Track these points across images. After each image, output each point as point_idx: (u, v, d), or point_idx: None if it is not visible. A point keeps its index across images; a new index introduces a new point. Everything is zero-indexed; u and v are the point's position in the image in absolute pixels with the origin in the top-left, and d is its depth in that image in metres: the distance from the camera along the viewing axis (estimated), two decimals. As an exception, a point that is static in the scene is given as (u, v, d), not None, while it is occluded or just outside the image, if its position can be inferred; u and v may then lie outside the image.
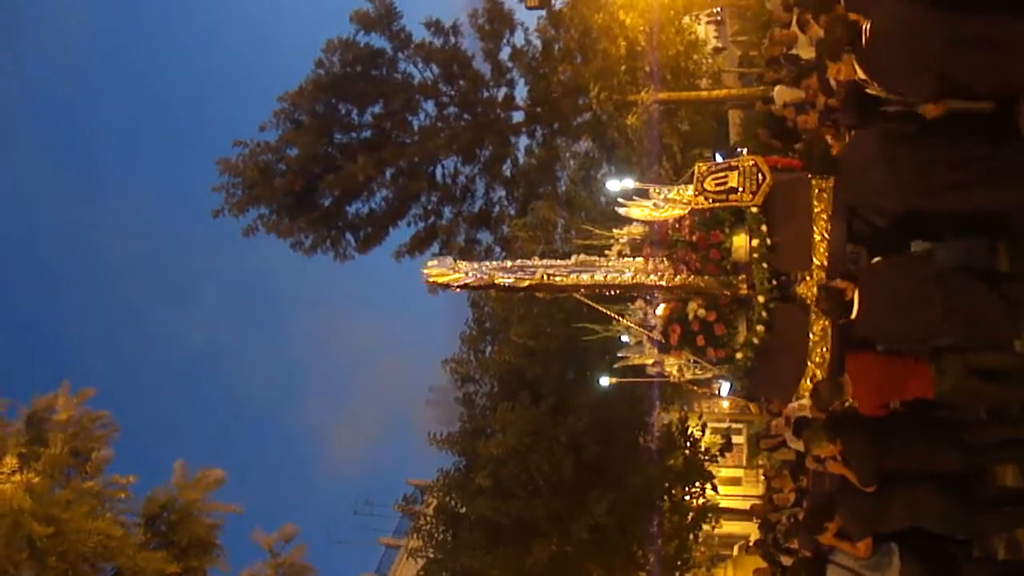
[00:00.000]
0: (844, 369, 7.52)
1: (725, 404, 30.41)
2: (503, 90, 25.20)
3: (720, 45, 32.87)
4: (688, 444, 20.92)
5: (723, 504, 24.18)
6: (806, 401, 8.44)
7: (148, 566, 17.09)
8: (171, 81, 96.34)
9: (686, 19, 24.77)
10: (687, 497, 20.64)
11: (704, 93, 23.55)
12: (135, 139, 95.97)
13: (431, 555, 19.64)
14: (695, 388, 10.09)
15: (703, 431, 22.28)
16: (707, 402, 27.70)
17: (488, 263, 9.78)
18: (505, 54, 24.85)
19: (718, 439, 22.96)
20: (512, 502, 17.68)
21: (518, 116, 25.54)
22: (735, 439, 25.26)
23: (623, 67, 22.52)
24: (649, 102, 22.02)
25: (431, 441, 19.42)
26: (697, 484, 20.79)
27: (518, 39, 24.88)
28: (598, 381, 17.30)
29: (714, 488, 21.74)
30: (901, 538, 7.55)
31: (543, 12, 24.22)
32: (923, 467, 7.33)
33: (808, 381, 8.11)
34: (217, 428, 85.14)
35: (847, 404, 7.41)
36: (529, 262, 9.70)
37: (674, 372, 8.97)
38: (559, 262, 9.70)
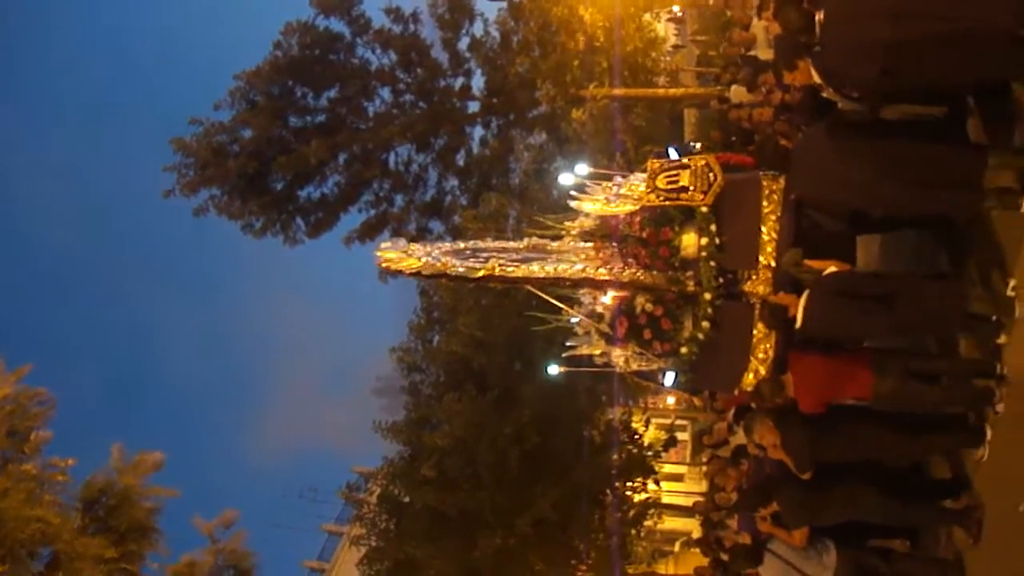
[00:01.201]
0: (787, 367, 7.63)
1: (671, 400, 30.63)
2: (460, 80, 25.13)
3: (679, 43, 33.05)
4: (632, 439, 21.07)
5: (665, 500, 24.43)
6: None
7: (86, 551, 16.88)
8: (128, 55, 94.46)
9: (646, 16, 24.84)
10: (630, 492, 20.80)
11: (661, 91, 23.62)
12: (88, 115, 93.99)
13: (373, 543, 19.60)
14: (641, 381, 10.16)
15: (647, 426, 22.47)
16: (652, 398, 27.86)
17: (441, 245, 9.82)
18: (464, 44, 24.80)
19: (662, 435, 23.12)
20: (457, 493, 17.72)
21: (474, 106, 25.50)
22: (679, 436, 25.39)
23: (576, 62, 22.56)
24: (599, 97, 22.03)
25: (376, 429, 19.42)
26: (640, 479, 20.97)
27: (477, 29, 24.88)
28: (545, 373, 17.38)
29: (656, 483, 21.95)
30: (839, 536, 7.70)
31: (503, 3, 24.17)
32: (864, 457, 7.53)
33: (751, 376, 8.25)
34: (159, 411, 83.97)
35: (788, 399, 7.53)
36: (482, 244, 9.82)
37: (620, 363, 9.05)
38: (512, 244, 9.84)
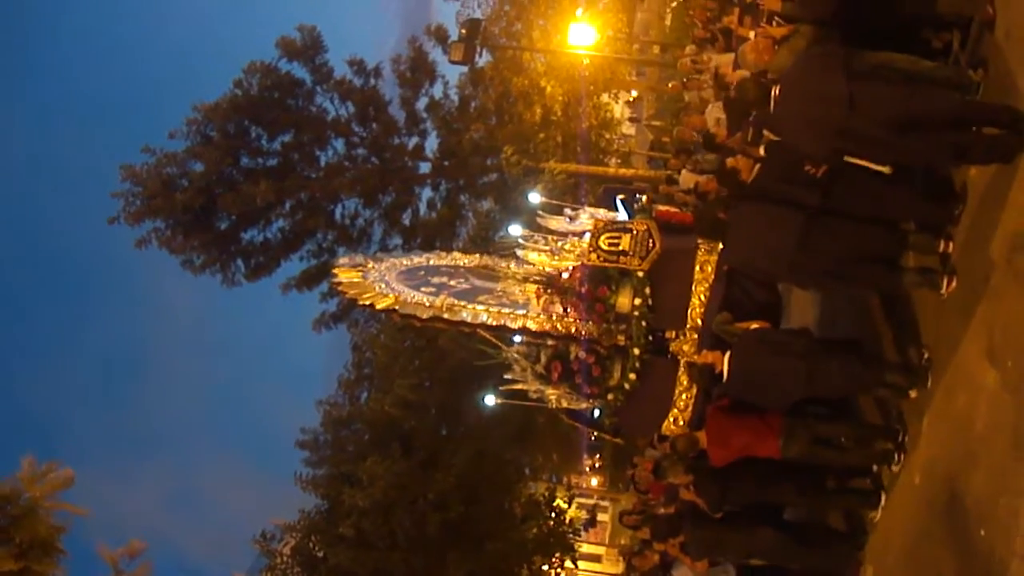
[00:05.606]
0: (703, 420, 7.92)
1: (594, 482, 30.52)
2: (414, 139, 25.37)
3: (634, 126, 33.69)
4: (553, 515, 20.93)
5: (582, 580, 24.17)
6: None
7: (-14, 562, 16.12)
8: (92, 77, 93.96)
9: (604, 96, 25.31)
10: (547, 567, 20.59)
11: (611, 170, 23.98)
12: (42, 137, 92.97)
13: (283, 597, 19.13)
14: (570, 420, 10.35)
15: (570, 504, 22.32)
16: (576, 477, 27.74)
17: (396, 262, 10.29)
18: (422, 104, 25.07)
19: (583, 514, 23.00)
20: (371, 553, 17.44)
21: (425, 167, 25.64)
22: (600, 516, 25.30)
23: (541, 135, 22.87)
24: (558, 172, 22.28)
25: (296, 482, 19.17)
26: (558, 556, 20.78)
27: (437, 91, 25.26)
28: (470, 443, 17.50)
29: (574, 562, 21.74)
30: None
31: (465, 68, 24.44)
32: (767, 501, 7.88)
33: (670, 422, 8.74)
34: (76, 442, 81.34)
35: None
36: (435, 260, 10.43)
37: (552, 401, 9.39)
38: (464, 261, 10.47)
